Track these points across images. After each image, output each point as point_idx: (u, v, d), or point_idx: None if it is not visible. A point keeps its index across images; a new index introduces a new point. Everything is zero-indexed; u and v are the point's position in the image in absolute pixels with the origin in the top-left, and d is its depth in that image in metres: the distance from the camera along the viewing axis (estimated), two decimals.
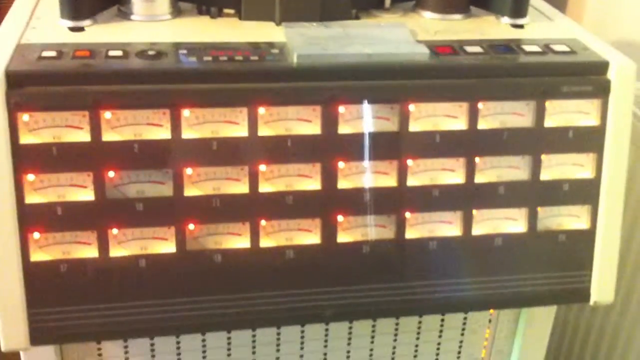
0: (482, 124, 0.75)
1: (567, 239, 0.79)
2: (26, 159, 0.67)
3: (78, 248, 0.70)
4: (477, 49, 0.77)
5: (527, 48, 0.78)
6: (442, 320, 0.90)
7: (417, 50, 0.75)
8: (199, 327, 0.77)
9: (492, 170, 0.76)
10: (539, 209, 0.78)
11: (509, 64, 0.76)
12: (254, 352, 0.86)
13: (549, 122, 0.76)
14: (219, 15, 0.83)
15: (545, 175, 0.77)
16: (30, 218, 0.68)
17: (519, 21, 0.85)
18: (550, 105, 0.76)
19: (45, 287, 0.70)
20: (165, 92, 0.69)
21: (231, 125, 0.71)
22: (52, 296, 0.70)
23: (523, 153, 0.77)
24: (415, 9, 0.88)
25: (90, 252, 0.70)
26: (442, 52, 0.76)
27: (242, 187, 0.72)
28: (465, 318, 0.90)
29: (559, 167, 0.78)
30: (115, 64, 0.69)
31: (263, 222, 0.73)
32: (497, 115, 0.75)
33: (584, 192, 0.78)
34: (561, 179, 0.78)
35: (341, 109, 0.72)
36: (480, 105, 0.75)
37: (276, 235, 0.74)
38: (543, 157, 0.77)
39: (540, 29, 0.85)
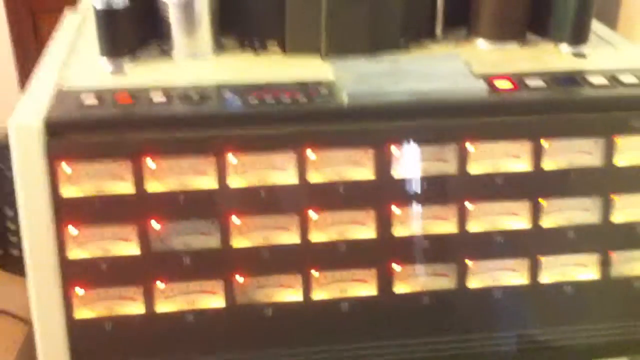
0: (547, 164, 0.71)
1: None
2: (68, 211, 0.65)
3: (123, 304, 0.67)
4: (539, 82, 0.73)
5: (593, 80, 0.73)
6: None
7: (476, 86, 0.71)
8: None
9: (560, 213, 0.72)
10: (611, 253, 0.73)
11: (574, 98, 0.71)
12: None
13: (620, 159, 0.72)
14: (262, 47, 0.79)
15: (617, 217, 0.72)
16: (73, 273, 0.66)
17: (580, 48, 0.80)
18: (620, 141, 0.71)
19: (90, 346, 0.68)
20: (210, 138, 0.66)
21: (280, 171, 0.67)
22: (98, 355, 0.68)
23: (592, 194, 0.72)
24: (468, 37, 0.84)
25: (136, 308, 0.67)
26: (502, 86, 0.71)
27: (292, 237, 0.68)
28: None
29: (632, 208, 0.73)
30: (158, 110, 0.66)
31: (315, 273, 0.69)
32: (563, 153, 0.71)
33: None
34: (635, 221, 0.73)
35: (395, 150, 0.68)
36: (544, 143, 0.70)
37: (329, 287, 0.70)
38: (614, 197, 0.72)
39: (604, 56, 0.80)
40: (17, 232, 1.02)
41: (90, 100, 0.67)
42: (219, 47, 0.79)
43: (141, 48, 0.77)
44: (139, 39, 0.77)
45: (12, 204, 1.00)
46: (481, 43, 0.82)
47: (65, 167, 0.64)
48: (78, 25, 0.85)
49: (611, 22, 1.12)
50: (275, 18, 0.77)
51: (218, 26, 0.78)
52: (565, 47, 0.81)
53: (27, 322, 0.94)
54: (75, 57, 0.76)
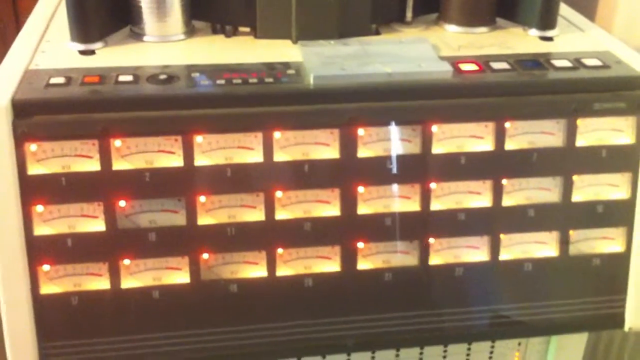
0: (510, 144, 0.72)
1: (601, 262, 0.76)
2: (34, 190, 0.65)
3: (89, 280, 0.68)
4: (503, 65, 0.74)
5: (557, 63, 0.74)
6: (470, 344, 0.86)
7: (440, 68, 0.72)
8: (215, 359, 0.75)
9: (521, 193, 0.73)
10: (571, 232, 0.74)
11: (537, 80, 0.72)
12: None
13: (581, 141, 0.73)
14: (234, 33, 0.80)
15: (577, 196, 0.74)
16: (40, 250, 0.66)
17: (548, 33, 0.81)
18: (582, 123, 0.72)
19: (55, 321, 0.68)
20: (176, 118, 0.67)
21: (246, 150, 0.68)
22: (63, 329, 0.68)
23: (553, 174, 0.73)
24: (438, 22, 0.85)
25: (101, 283, 0.68)
26: (467, 69, 0.72)
27: (257, 215, 0.69)
28: (493, 342, 0.87)
29: (592, 187, 0.74)
30: (125, 90, 0.67)
31: (280, 250, 0.70)
32: (525, 134, 0.72)
33: (619, 214, 0.75)
34: (594, 200, 0.74)
35: (360, 131, 0.69)
36: (507, 124, 0.71)
37: (294, 264, 0.71)
38: (575, 177, 0.73)
39: (571, 41, 0.81)
40: None
41: (57, 80, 0.67)
42: (191, 31, 0.80)
43: (113, 33, 0.77)
44: (110, 24, 0.77)
45: None
46: (451, 28, 0.83)
47: (31, 147, 0.64)
48: (53, 9, 0.85)
49: (589, 10, 1.13)
50: (247, 4, 0.77)
51: (190, 11, 0.79)
52: (534, 32, 0.82)
53: None
54: (47, 41, 0.76)
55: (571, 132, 0.72)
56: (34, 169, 0.65)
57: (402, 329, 0.74)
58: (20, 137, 0.64)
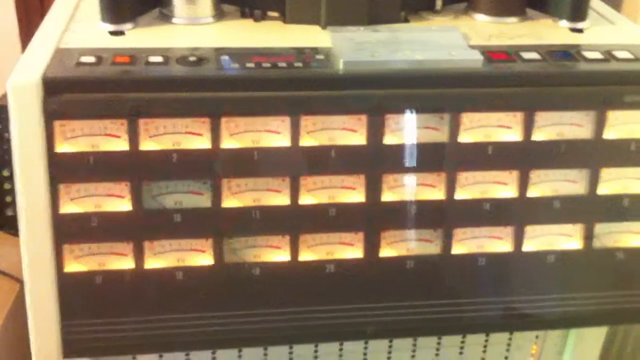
0: (538, 135, 0.71)
1: (625, 256, 0.75)
2: (62, 168, 0.65)
3: (113, 259, 0.68)
4: (533, 55, 0.73)
5: (587, 55, 0.74)
6: (487, 335, 0.86)
7: (470, 57, 0.71)
8: (235, 342, 0.75)
9: (547, 184, 0.72)
10: (596, 225, 0.74)
11: (567, 71, 0.72)
12: None
13: (610, 133, 0.72)
14: (263, 18, 0.80)
15: (603, 189, 0.73)
16: (65, 228, 0.67)
17: (579, 25, 0.80)
18: (612, 115, 0.72)
19: (79, 299, 0.69)
20: (205, 100, 0.66)
21: (273, 134, 0.68)
22: (86, 308, 0.69)
23: (581, 166, 0.72)
24: (467, 11, 0.84)
25: (126, 263, 0.68)
26: (497, 58, 0.72)
27: (282, 199, 0.69)
28: (511, 334, 0.86)
29: (619, 181, 0.73)
30: (155, 70, 0.67)
31: (303, 235, 0.70)
32: (554, 125, 0.71)
33: None
34: (621, 193, 0.73)
35: (388, 118, 0.69)
36: (536, 115, 0.71)
37: (317, 249, 0.71)
38: (602, 170, 0.73)
39: (601, 33, 0.80)
40: (12, 192, 1.04)
41: (88, 59, 0.68)
42: (220, 14, 0.80)
43: (142, 14, 0.77)
44: (140, 6, 0.77)
45: (9, 166, 1.01)
46: (480, 17, 0.83)
47: (61, 124, 0.65)
48: None
49: (616, 2, 1.12)
50: None
51: None
52: (564, 23, 0.81)
53: (19, 280, 0.95)
54: (77, 21, 0.76)
55: (600, 125, 0.72)
56: (62, 147, 0.65)
57: (422, 318, 0.74)
58: (50, 115, 0.64)
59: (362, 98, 0.69)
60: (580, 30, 0.80)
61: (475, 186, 0.72)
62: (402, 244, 0.72)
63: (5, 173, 1.02)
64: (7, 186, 1.03)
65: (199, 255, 0.69)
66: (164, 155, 0.66)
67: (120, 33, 0.74)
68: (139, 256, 0.68)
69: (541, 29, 0.80)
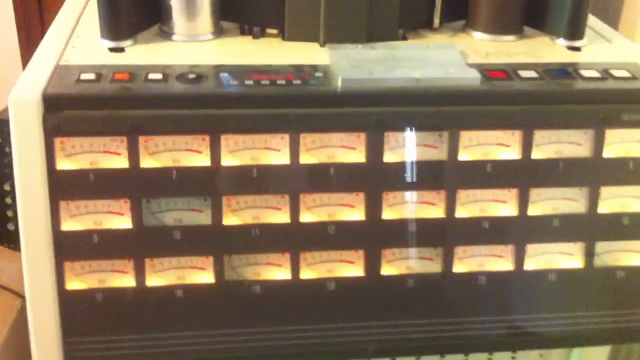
0: (537, 154, 0.71)
1: (626, 275, 0.75)
2: (63, 185, 0.66)
3: (114, 277, 0.68)
4: (531, 73, 0.73)
5: (585, 73, 0.74)
6: (491, 354, 0.86)
7: (469, 75, 0.71)
8: None
9: (547, 203, 0.72)
10: (597, 244, 0.74)
11: (566, 90, 0.72)
12: None
13: (609, 152, 0.72)
14: (262, 35, 0.80)
15: (603, 208, 0.73)
16: (67, 246, 0.67)
17: (576, 43, 0.81)
18: (610, 134, 0.72)
19: (80, 316, 0.68)
20: (205, 118, 0.67)
21: (272, 152, 0.68)
22: (88, 325, 0.69)
23: (580, 185, 0.73)
24: (465, 29, 0.84)
25: (127, 281, 0.68)
26: (495, 76, 0.72)
27: (282, 217, 0.69)
28: (514, 353, 0.86)
29: (619, 199, 0.73)
30: (155, 88, 0.67)
31: (304, 253, 0.70)
32: (552, 144, 0.71)
33: None
34: (621, 212, 0.73)
35: (387, 136, 0.69)
36: (535, 133, 0.71)
37: (317, 267, 0.71)
38: (602, 189, 0.73)
39: (599, 52, 0.80)
40: (14, 207, 1.04)
41: (88, 76, 0.68)
42: (220, 32, 0.80)
43: (142, 31, 0.78)
44: (140, 23, 0.77)
45: (10, 179, 1.01)
46: (478, 35, 0.83)
47: (61, 142, 0.65)
48: (82, 5, 0.86)
49: (613, 20, 1.13)
50: (276, 6, 0.77)
51: (219, 12, 0.79)
52: (562, 42, 0.81)
53: (20, 296, 0.95)
54: (77, 37, 0.77)
55: (599, 143, 0.72)
56: (63, 164, 0.65)
57: (424, 336, 0.74)
58: (51, 132, 0.64)
59: (361, 116, 0.69)
60: (578, 49, 0.80)
61: (475, 204, 0.72)
62: (403, 262, 0.72)
63: (7, 187, 1.02)
64: (8, 200, 1.03)
65: (200, 273, 0.69)
66: (164, 172, 0.67)
67: (121, 50, 0.74)
68: (139, 274, 0.68)
69: (539, 48, 0.80)
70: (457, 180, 0.71)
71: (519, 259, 0.73)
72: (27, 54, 1.44)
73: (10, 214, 1.05)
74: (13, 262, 0.99)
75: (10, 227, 1.05)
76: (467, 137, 0.70)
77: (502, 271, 0.73)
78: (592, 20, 0.88)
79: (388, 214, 0.71)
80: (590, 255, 0.74)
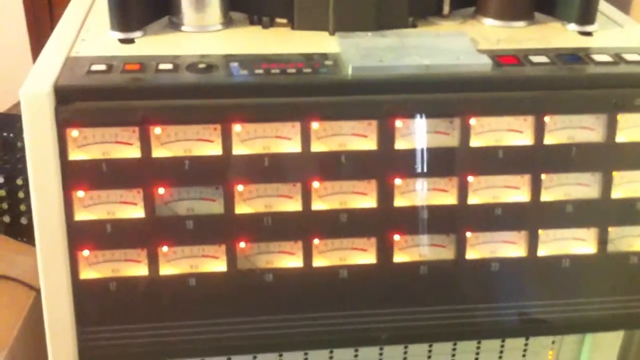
0: (549, 139, 0.71)
1: (639, 261, 0.75)
2: (75, 175, 0.66)
3: (128, 266, 0.69)
4: (543, 59, 0.73)
5: (597, 58, 0.74)
6: (503, 341, 0.85)
7: (479, 61, 0.71)
8: (249, 348, 0.75)
9: (560, 188, 0.72)
10: (609, 229, 0.73)
11: (577, 75, 0.72)
12: None
13: (621, 136, 0.72)
14: (271, 25, 0.80)
15: (616, 193, 0.73)
16: (80, 235, 0.67)
17: (587, 28, 0.80)
18: (622, 118, 0.71)
19: (94, 306, 0.69)
20: (216, 107, 0.67)
21: (283, 140, 0.68)
22: (102, 315, 0.69)
23: (593, 170, 0.72)
24: (475, 16, 0.84)
25: (140, 270, 0.69)
26: (506, 62, 0.72)
27: (294, 205, 0.69)
28: (527, 339, 0.86)
29: (632, 184, 0.73)
30: (165, 78, 0.67)
31: (316, 241, 0.70)
32: (565, 129, 0.71)
33: None
34: (634, 197, 0.73)
35: (398, 123, 0.69)
36: (546, 119, 0.71)
37: (330, 255, 0.71)
38: (614, 174, 0.72)
39: (610, 36, 0.80)
40: (26, 201, 1.05)
41: (98, 67, 0.68)
42: (228, 22, 0.80)
43: (152, 22, 0.78)
44: (149, 14, 0.77)
45: (22, 174, 1.02)
46: (488, 22, 0.83)
47: (73, 132, 0.65)
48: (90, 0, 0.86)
49: (625, 4, 1.12)
50: None
51: (228, 2, 0.79)
52: (572, 27, 0.81)
53: (34, 288, 0.95)
54: (87, 29, 0.77)
55: (611, 128, 0.71)
56: (75, 155, 0.66)
57: (436, 323, 0.74)
58: (62, 123, 0.65)
59: (371, 103, 0.69)
60: (589, 34, 0.80)
61: (487, 190, 0.72)
62: (415, 249, 0.72)
63: (19, 181, 1.03)
64: (21, 195, 1.04)
65: (212, 262, 0.70)
66: (175, 162, 0.67)
67: (130, 41, 0.74)
68: (152, 263, 0.69)
69: (550, 33, 0.80)
70: (469, 166, 0.71)
71: (532, 245, 0.73)
72: (36, 50, 1.45)
73: (22, 207, 1.05)
74: (26, 255, 1.00)
75: (23, 220, 1.05)
76: (478, 124, 0.70)
77: (515, 257, 0.73)
78: (603, 5, 0.88)
79: (400, 201, 0.71)
80: (603, 240, 0.73)
